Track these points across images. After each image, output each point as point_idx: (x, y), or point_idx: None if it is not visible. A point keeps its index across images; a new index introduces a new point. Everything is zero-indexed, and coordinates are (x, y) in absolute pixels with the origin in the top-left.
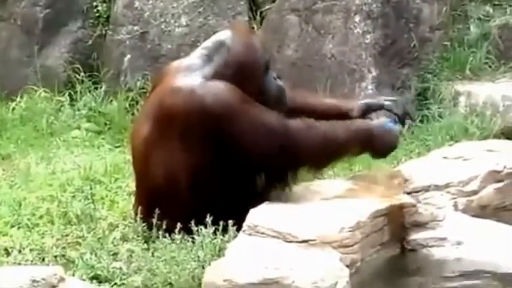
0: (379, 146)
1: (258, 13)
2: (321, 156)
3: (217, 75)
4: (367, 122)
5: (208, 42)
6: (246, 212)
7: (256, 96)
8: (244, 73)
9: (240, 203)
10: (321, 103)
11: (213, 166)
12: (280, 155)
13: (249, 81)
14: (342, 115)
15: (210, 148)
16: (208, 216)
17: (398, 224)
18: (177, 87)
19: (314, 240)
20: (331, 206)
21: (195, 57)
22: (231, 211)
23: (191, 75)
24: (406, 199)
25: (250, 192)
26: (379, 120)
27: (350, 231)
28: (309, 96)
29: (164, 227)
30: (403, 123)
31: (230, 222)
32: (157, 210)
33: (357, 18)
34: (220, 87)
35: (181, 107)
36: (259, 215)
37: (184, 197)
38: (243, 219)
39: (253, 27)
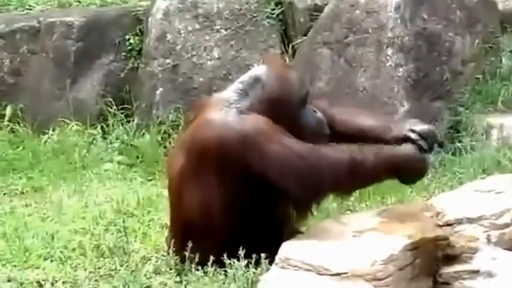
0: (407, 174)
1: (290, 46)
2: (347, 184)
3: (252, 111)
4: (396, 149)
5: (245, 77)
6: (278, 244)
7: (294, 132)
8: (279, 109)
9: (271, 235)
10: (358, 127)
11: (245, 198)
12: (307, 182)
13: (284, 117)
14: (379, 139)
15: (242, 180)
16: (241, 249)
17: (431, 257)
18: (211, 120)
19: (346, 273)
20: (363, 239)
21: (231, 91)
22: (263, 244)
23: (226, 109)
24: (439, 232)
25: (281, 224)
26: (408, 148)
27: (383, 264)
28: (348, 118)
29: (197, 260)
30: (431, 150)
31: (263, 255)
32: (190, 243)
33: (389, 51)
34: (255, 118)
35: (215, 139)
36: (292, 248)
37: (218, 230)
38: (275, 252)
39: (285, 60)
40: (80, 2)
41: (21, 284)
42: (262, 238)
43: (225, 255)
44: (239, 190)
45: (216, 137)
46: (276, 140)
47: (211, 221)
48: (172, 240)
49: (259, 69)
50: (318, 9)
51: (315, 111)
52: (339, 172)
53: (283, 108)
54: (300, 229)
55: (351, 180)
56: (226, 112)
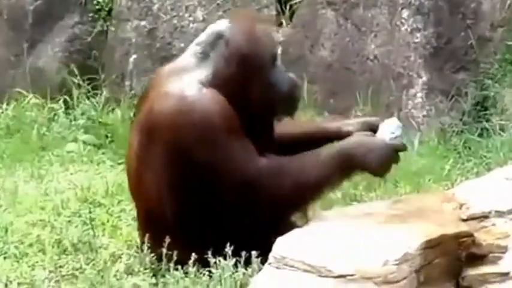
0: (367, 166)
1: (288, 6)
2: (296, 199)
3: (216, 76)
4: (346, 142)
5: (203, 36)
6: (267, 240)
7: (264, 94)
8: (248, 68)
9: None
10: (305, 130)
11: (193, 188)
12: (248, 199)
13: (254, 77)
14: (331, 137)
15: (188, 167)
16: (228, 245)
17: (452, 257)
18: (166, 92)
19: (353, 275)
20: (373, 234)
21: (188, 55)
22: (244, 240)
23: (184, 79)
24: (462, 227)
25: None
26: (360, 138)
27: (396, 264)
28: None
29: (175, 258)
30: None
31: (253, 253)
32: (167, 239)
33: (405, 14)
34: (211, 104)
35: (168, 113)
36: (288, 244)
37: (173, 223)
38: (265, 249)
39: (281, 23)
40: None
41: None
42: (237, 233)
43: (209, 253)
44: (185, 177)
45: (169, 111)
46: (223, 141)
47: (165, 211)
48: (147, 234)
49: (220, 25)
50: None
51: (286, 71)
52: (284, 190)
53: (251, 67)
54: (296, 221)
55: (298, 195)
56: (183, 83)
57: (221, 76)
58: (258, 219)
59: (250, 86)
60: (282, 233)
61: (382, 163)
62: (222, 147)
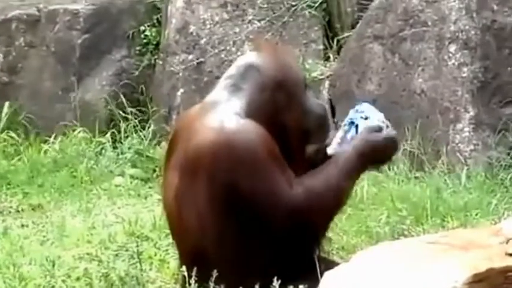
0: (382, 161)
1: (335, 41)
2: (335, 209)
3: (250, 106)
4: (359, 144)
5: (232, 69)
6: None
7: (299, 120)
8: (283, 95)
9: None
10: None
11: (238, 220)
12: (294, 227)
13: (289, 104)
14: None
15: (233, 200)
16: (275, 280)
17: None
18: (203, 127)
19: None
20: (420, 268)
21: (219, 89)
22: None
23: (219, 112)
24: (509, 262)
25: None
26: (370, 136)
27: None
28: None
29: None
30: None
31: (301, 287)
32: (214, 273)
33: (452, 48)
34: (251, 134)
35: (208, 148)
36: (335, 279)
37: (220, 258)
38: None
39: (328, 57)
40: None
41: None
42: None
43: (256, 286)
44: (230, 209)
45: (210, 144)
46: (264, 168)
47: (210, 247)
48: (194, 269)
49: (249, 56)
50: None
51: (314, 97)
52: (328, 205)
53: (286, 93)
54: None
55: (337, 205)
56: (219, 116)
57: (256, 105)
58: (307, 244)
59: (285, 112)
60: (325, 268)
61: (391, 156)
62: (265, 174)
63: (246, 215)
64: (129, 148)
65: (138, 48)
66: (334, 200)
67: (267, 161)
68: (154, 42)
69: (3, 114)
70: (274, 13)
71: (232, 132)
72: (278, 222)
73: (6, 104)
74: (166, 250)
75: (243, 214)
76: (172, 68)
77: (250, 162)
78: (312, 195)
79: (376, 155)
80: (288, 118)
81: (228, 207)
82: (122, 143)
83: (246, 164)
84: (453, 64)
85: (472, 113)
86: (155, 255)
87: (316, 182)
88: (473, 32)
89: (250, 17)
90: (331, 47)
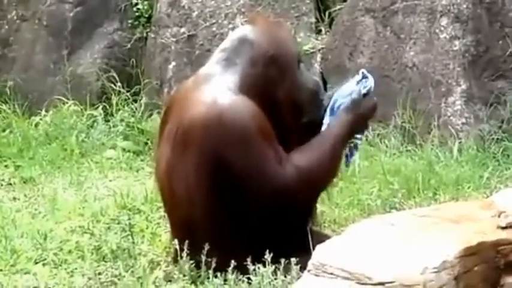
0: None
1: (327, 14)
2: (324, 184)
3: (243, 80)
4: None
5: (226, 43)
6: (302, 246)
7: (291, 95)
8: (275, 69)
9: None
10: None
11: (228, 194)
12: (280, 205)
13: (281, 78)
14: None
15: (222, 173)
16: (267, 253)
17: (491, 265)
18: (195, 100)
19: (392, 282)
20: (412, 242)
21: (213, 63)
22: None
23: (212, 86)
24: (501, 235)
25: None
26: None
27: (434, 272)
28: None
29: (214, 265)
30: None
31: (293, 260)
32: (206, 246)
33: (444, 21)
34: (242, 108)
35: (199, 122)
36: (328, 252)
37: (212, 230)
38: (302, 256)
39: (320, 30)
40: None
41: None
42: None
43: (248, 260)
44: (221, 183)
45: (201, 118)
46: (255, 145)
47: (201, 218)
48: (186, 242)
49: (243, 30)
50: None
51: (308, 72)
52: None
53: (278, 67)
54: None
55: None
56: (211, 90)
57: (249, 80)
58: (297, 219)
59: (278, 87)
60: (317, 241)
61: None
62: (255, 151)
63: (234, 190)
64: (120, 121)
65: (130, 21)
66: (324, 175)
67: (257, 137)
68: (146, 16)
69: None
70: None
71: (224, 107)
72: (265, 199)
73: None
74: (158, 223)
75: (231, 189)
76: (164, 41)
77: (240, 138)
78: (301, 172)
79: (360, 124)
80: (280, 93)
81: (216, 182)
82: (113, 115)
83: (235, 140)
84: (445, 37)
85: (463, 87)
86: (147, 228)
87: (305, 158)
88: (464, 6)
89: None
90: (322, 20)
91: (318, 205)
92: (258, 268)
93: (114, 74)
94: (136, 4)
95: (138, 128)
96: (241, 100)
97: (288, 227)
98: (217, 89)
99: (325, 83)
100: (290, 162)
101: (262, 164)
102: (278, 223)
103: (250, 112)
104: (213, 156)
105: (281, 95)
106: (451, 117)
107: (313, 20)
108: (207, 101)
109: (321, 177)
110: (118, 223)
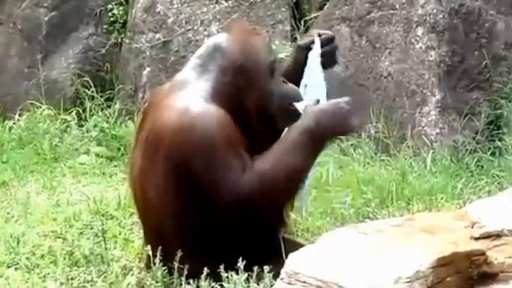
0: (335, 131)
1: (302, 22)
2: (290, 192)
3: (215, 88)
4: (306, 120)
5: (202, 49)
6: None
7: (260, 104)
8: (244, 78)
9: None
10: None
11: (195, 203)
12: (241, 215)
13: (250, 87)
14: None
15: (188, 182)
16: (240, 260)
17: (464, 275)
18: (167, 107)
19: None
20: (385, 251)
21: (188, 69)
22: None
23: (184, 93)
24: (474, 246)
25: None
26: (309, 111)
27: (407, 282)
28: None
29: (186, 272)
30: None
31: (266, 268)
32: (179, 252)
33: (420, 31)
34: (211, 118)
35: (169, 130)
36: (301, 260)
37: (184, 237)
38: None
39: (295, 38)
40: None
41: None
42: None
43: (221, 267)
44: (187, 192)
45: (170, 126)
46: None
47: (173, 226)
48: (159, 248)
49: (218, 37)
50: None
51: (284, 82)
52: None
53: (247, 76)
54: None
55: (292, 186)
56: (183, 98)
57: (220, 88)
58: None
59: (247, 96)
60: (290, 249)
61: (346, 124)
62: (219, 160)
63: (200, 197)
64: (94, 126)
65: (105, 26)
66: (287, 182)
67: (222, 147)
68: (122, 21)
69: None
70: None
71: (194, 115)
72: (228, 206)
73: None
74: (131, 229)
75: (197, 197)
76: (139, 47)
77: (206, 147)
78: (262, 178)
79: (324, 127)
80: (249, 101)
81: (183, 189)
82: (87, 121)
83: (201, 148)
84: (420, 47)
85: (438, 97)
86: (120, 234)
87: (267, 165)
88: (440, 16)
89: None
90: (298, 28)
91: (290, 213)
92: (231, 275)
93: (89, 79)
94: (112, 9)
95: (111, 134)
96: (211, 109)
97: (259, 235)
98: (189, 97)
99: None
100: (252, 170)
101: (224, 172)
102: (248, 230)
103: (219, 121)
104: (180, 163)
105: (250, 103)
106: (426, 127)
107: (288, 28)
108: (179, 108)
109: (283, 184)
110: (91, 228)
